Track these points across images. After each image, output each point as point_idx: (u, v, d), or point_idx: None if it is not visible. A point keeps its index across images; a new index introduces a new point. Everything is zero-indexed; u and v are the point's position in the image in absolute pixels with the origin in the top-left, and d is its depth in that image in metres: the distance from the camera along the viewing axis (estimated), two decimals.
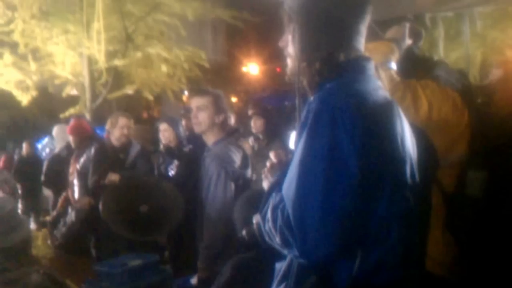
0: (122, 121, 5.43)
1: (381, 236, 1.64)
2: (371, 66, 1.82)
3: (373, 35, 1.92)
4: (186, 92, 12.85)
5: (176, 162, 5.20)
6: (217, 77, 12.66)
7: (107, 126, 5.55)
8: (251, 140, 6.65)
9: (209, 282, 3.24)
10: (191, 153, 5.03)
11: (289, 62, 1.88)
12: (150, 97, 12.24)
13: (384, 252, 1.65)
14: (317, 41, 1.77)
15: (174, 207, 4.57)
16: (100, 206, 4.75)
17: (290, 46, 1.86)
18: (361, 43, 1.82)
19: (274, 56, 16.14)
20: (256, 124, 6.74)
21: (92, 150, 5.59)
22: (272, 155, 2.06)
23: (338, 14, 1.77)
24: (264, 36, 15.55)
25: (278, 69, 17.26)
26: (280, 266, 1.81)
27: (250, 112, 7.30)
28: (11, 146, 10.03)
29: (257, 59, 18.02)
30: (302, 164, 1.62)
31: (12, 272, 2.73)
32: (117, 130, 5.41)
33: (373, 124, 1.62)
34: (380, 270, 1.65)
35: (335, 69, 1.75)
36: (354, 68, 1.77)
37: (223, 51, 16.85)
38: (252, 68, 18.35)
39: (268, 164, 2.04)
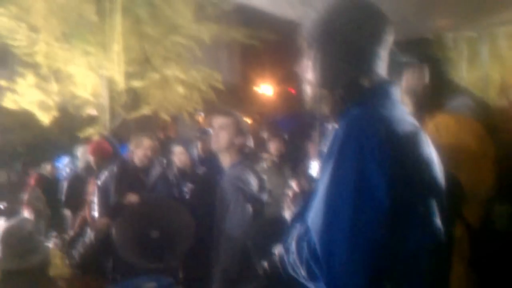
0: (147, 142, 5.57)
1: (410, 269, 1.59)
2: (396, 91, 1.78)
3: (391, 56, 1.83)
4: (202, 113, 13.01)
5: (190, 185, 5.31)
6: (231, 98, 12.80)
7: (131, 146, 5.69)
8: (266, 163, 6.72)
9: None
10: (205, 176, 5.13)
11: (308, 88, 1.84)
12: (167, 118, 12.42)
13: (412, 286, 1.60)
14: (339, 67, 1.74)
15: (186, 232, 4.63)
16: (113, 232, 4.83)
17: (309, 72, 1.82)
18: (383, 68, 1.79)
19: (288, 78, 16.23)
20: (273, 147, 6.80)
21: (114, 169, 5.70)
22: (294, 184, 2.04)
23: (359, 40, 1.74)
24: (277, 58, 15.66)
25: (291, 90, 17.32)
26: None
27: (266, 135, 7.36)
28: (19, 167, 10.15)
29: (270, 80, 18.10)
30: (329, 195, 1.57)
31: None
32: (140, 151, 5.54)
33: (401, 152, 1.58)
34: None
35: (359, 95, 1.72)
36: (379, 93, 1.73)
37: (238, 72, 16.96)
38: (265, 89, 18.41)
39: (290, 193, 2.02)
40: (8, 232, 3.10)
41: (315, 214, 1.61)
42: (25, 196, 7.81)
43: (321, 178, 1.64)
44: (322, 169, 1.66)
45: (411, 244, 1.58)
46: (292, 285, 1.78)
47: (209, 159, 4.71)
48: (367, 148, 1.54)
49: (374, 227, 1.51)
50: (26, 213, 7.25)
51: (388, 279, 1.57)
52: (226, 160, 3.88)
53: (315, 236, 1.58)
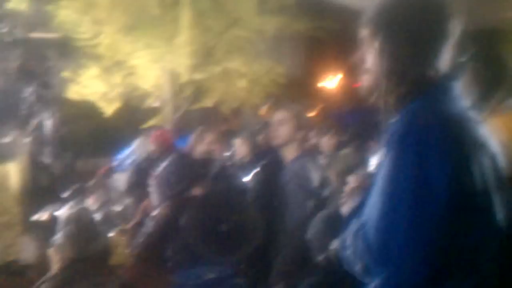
0: (209, 137, 5.55)
1: (472, 264, 1.56)
2: (457, 86, 1.73)
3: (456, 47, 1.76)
4: (264, 107, 12.96)
5: (250, 178, 5.25)
6: (294, 92, 12.67)
7: (192, 139, 5.68)
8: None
9: None
10: (265, 169, 5.06)
11: (370, 79, 1.80)
12: (228, 111, 12.42)
13: (476, 286, 1.56)
14: (406, 59, 1.70)
15: (253, 228, 4.59)
16: (184, 222, 4.85)
17: (373, 63, 1.78)
18: (448, 60, 1.72)
19: (352, 71, 16.00)
20: (326, 143, 6.77)
21: (172, 161, 5.71)
22: (352, 179, 2.01)
23: (426, 30, 1.70)
24: (342, 51, 15.44)
25: (356, 84, 17.07)
26: None
27: (324, 129, 7.31)
28: (69, 157, 10.30)
29: (334, 74, 17.93)
30: (387, 188, 1.56)
31: (90, 281, 2.83)
32: (203, 145, 5.53)
33: (461, 146, 1.55)
34: None
35: (423, 88, 1.68)
36: (442, 87, 1.69)
37: (301, 65, 16.87)
38: (330, 82, 18.27)
39: (347, 188, 1.99)
40: (69, 221, 3.12)
41: (371, 208, 1.60)
42: (93, 186, 7.94)
43: (378, 172, 1.63)
44: (380, 162, 1.65)
45: (473, 238, 1.54)
46: (348, 280, 1.77)
47: (270, 152, 4.64)
48: (427, 142, 1.52)
49: (433, 222, 1.49)
50: (93, 203, 7.36)
51: (449, 274, 1.53)
52: (287, 154, 3.87)
53: (371, 232, 1.57)
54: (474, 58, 2.74)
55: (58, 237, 3.02)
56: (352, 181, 2.01)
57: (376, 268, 1.56)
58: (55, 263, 3.04)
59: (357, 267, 1.63)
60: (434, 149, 1.51)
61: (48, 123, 6.10)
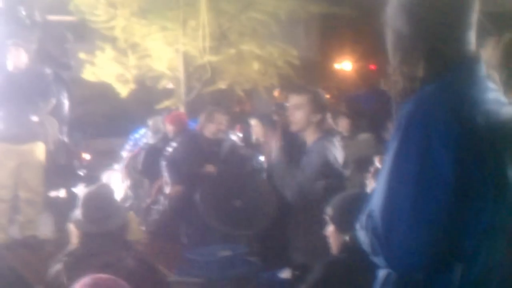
0: (219, 117, 5.63)
1: (481, 248, 1.53)
2: (480, 67, 1.68)
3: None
4: (278, 89, 12.95)
5: (264, 158, 5.31)
6: (309, 74, 12.65)
7: (201, 119, 5.75)
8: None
9: (300, 277, 3.28)
10: (284, 149, 5.10)
11: (389, 60, 1.77)
12: (241, 93, 12.43)
13: (488, 270, 1.54)
14: (422, 34, 1.65)
15: (267, 204, 4.66)
16: (198, 198, 4.94)
17: (392, 43, 1.75)
18: (470, 40, 1.67)
19: (368, 53, 15.91)
20: (342, 124, 6.84)
21: (184, 141, 5.78)
22: (377, 160, 2.03)
23: (451, 10, 1.64)
24: (357, 33, 15.35)
25: (371, 67, 17.00)
26: (381, 274, 1.72)
27: (340, 111, 7.37)
28: (79, 136, 10.37)
29: (350, 56, 17.82)
30: (392, 171, 1.55)
31: (108, 256, 2.90)
32: (213, 125, 5.61)
33: (473, 131, 1.51)
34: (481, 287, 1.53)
35: (442, 69, 1.63)
36: (462, 68, 1.64)
37: (316, 48, 16.79)
38: (345, 65, 18.15)
39: (372, 169, 2.00)
40: (88, 197, 3.19)
41: (378, 190, 1.60)
42: (125, 165, 8.08)
43: (387, 154, 1.61)
44: (389, 145, 1.63)
45: (483, 222, 1.52)
46: (367, 260, 1.75)
47: (286, 133, 4.66)
48: (434, 125, 1.50)
49: (438, 204, 1.48)
50: (124, 180, 7.53)
51: (458, 258, 1.52)
52: (308, 137, 3.85)
53: (376, 211, 1.56)
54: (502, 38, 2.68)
55: (78, 212, 3.09)
56: (377, 161, 2.02)
57: (380, 250, 1.55)
58: (74, 238, 3.11)
59: (367, 247, 1.63)
60: (440, 132, 1.49)
61: (66, 103, 6.21)
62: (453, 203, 1.48)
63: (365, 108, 9.62)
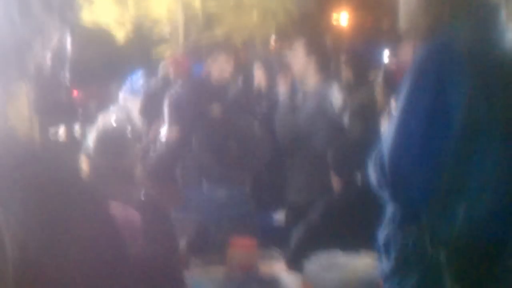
0: (222, 57, 5.54)
1: (488, 191, 1.53)
2: (500, 10, 1.63)
3: None
4: (273, 38, 12.89)
5: (266, 103, 5.33)
6: (306, 25, 12.58)
7: (207, 61, 5.71)
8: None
9: (297, 217, 3.35)
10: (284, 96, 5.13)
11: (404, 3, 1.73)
12: (238, 42, 12.39)
13: (492, 210, 1.53)
14: None
15: (262, 147, 4.71)
16: (196, 140, 4.98)
17: None
18: None
19: (366, 5, 15.78)
20: (345, 72, 6.77)
21: (188, 83, 5.77)
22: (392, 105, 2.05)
23: None
24: None
25: (369, 18, 16.85)
26: (387, 213, 1.71)
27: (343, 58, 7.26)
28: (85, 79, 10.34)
29: (348, 8, 17.65)
30: (404, 108, 1.56)
31: (117, 191, 2.97)
32: (216, 65, 5.53)
33: (487, 74, 1.51)
34: (486, 227, 1.53)
35: (457, 14, 1.60)
36: (481, 11, 1.62)
37: None
38: (342, 16, 17.99)
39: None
40: (103, 131, 3.21)
41: (389, 128, 1.61)
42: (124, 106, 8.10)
43: (400, 94, 1.61)
44: (402, 85, 1.61)
45: (488, 161, 1.52)
46: (368, 200, 1.79)
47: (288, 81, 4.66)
48: (448, 67, 1.50)
49: (444, 144, 1.49)
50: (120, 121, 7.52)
51: (463, 199, 1.52)
52: (308, 81, 3.84)
53: (385, 147, 1.57)
54: None
55: (90, 145, 3.11)
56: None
57: (385, 181, 1.57)
58: (85, 171, 3.15)
59: (373, 181, 1.64)
60: (456, 75, 1.50)
61: (69, 43, 6.18)
62: (461, 142, 1.49)
63: (367, 59, 9.56)
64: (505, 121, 1.53)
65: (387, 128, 1.67)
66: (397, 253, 1.62)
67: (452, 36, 1.56)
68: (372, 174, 1.65)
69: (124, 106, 8.17)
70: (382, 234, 1.68)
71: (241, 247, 2.96)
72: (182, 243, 3.90)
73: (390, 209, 1.66)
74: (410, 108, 1.55)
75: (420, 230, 1.57)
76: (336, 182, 2.88)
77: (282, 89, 3.97)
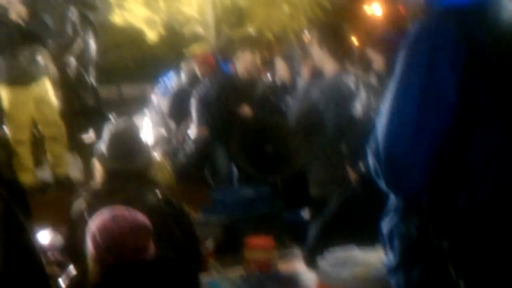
0: (248, 56, 5.51)
1: (490, 173, 1.46)
2: None
3: None
4: (307, 33, 12.81)
5: (290, 99, 5.27)
6: (338, 18, 12.45)
7: (236, 61, 5.68)
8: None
9: (317, 213, 3.31)
10: (306, 90, 5.07)
11: None
12: (271, 37, 12.34)
13: (494, 193, 1.46)
14: None
15: (297, 151, 4.64)
16: (230, 142, 4.96)
17: None
18: None
19: None
20: (376, 61, 6.65)
21: (217, 82, 5.75)
22: None
23: None
24: None
25: (402, 9, 16.59)
26: (390, 203, 1.66)
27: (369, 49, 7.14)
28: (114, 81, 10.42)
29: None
30: (397, 88, 1.50)
31: (130, 192, 2.92)
32: (243, 64, 5.51)
33: (482, 52, 1.45)
34: (489, 213, 1.46)
35: None
36: None
37: None
38: (375, 8, 17.78)
39: None
40: (114, 132, 3.16)
41: (382, 111, 1.55)
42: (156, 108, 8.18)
43: (394, 74, 1.54)
44: (396, 64, 1.55)
45: (488, 146, 1.45)
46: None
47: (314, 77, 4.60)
48: (441, 44, 1.45)
49: (439, 125, 1.44)
50: (154, 124, 7.62)
51: (463, 183, 1.46)
52: (327, 70, 3.79)
53: (379, 131, 1.51)
54: None
55: (102, 147, 3.08)
56: None
57: (380, 167, 1.51)
58: (98, 174, 3.13)
59: (373, 170, 1.58)
60: (449, 52, 1.44)
61: (93, 45, 6.21)
62: (457, 125, 1.44)
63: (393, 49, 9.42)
64: (503, 100, 1.46)
65: (380, 111, 1.57)
66: (401, 245, 1.58)
67: (443, 14, 1.52)
68: (370, 162, 1.59)
69: (158, 107, 8.26)
70: (385, 226, 1.63)
71: (258, 246, 2.92)
72: (209, 244, 3.88)
73: (392, 200, 1.62)
74: (403, 87, 1.49)
75: (422, 220, 1.52)
76: (352, 175, 2.84)
77: (304, 77, 3.92)
